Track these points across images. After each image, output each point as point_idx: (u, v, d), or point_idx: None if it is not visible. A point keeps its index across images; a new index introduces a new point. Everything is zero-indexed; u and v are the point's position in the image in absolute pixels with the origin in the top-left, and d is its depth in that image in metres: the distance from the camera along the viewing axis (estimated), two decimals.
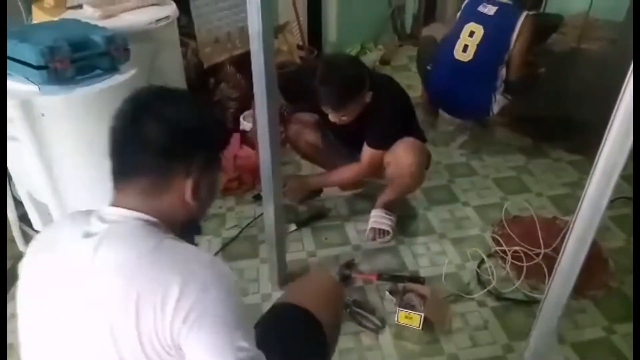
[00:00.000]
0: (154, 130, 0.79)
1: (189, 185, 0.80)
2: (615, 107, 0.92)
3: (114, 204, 0.80)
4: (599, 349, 1.52)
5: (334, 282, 1.34)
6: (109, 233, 0.75)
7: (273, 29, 2.54)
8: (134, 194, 0.80)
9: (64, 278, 0.75)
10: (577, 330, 1.57)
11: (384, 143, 1.82)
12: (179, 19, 2.00)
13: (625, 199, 2.13)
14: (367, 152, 1.84)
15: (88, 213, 0.81)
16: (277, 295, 1.68)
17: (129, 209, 0.78)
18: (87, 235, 0.76)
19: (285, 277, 1.74)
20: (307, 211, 2.09)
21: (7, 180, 1.65)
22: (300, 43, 2.78)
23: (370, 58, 3.35)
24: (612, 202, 2.17)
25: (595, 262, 1.81)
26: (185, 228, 0.86)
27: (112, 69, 1.50)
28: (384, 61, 3.55)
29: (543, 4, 2.91)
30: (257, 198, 2.08)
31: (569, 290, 1.13)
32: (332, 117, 1.78)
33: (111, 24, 1.64)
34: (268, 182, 1.51)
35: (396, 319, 1.58)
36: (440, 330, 1.57)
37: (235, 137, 2.27)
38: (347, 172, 1.94)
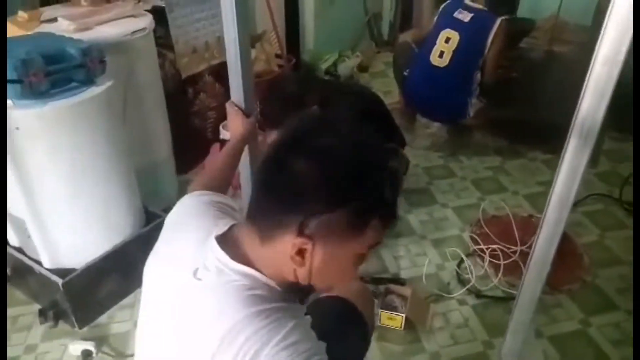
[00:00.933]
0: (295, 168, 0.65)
1: (297, 242, 0.65)
2: (577, 108, 0.96)
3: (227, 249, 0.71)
4: (575, 341, 1.57)
5: (364, 286, 1.35)
6: (208, 288, 0.70)
7: (250, 39, 2.57)
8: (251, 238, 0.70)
9: (172, 299, 0.74)
10: (554, 324, 1.61)
11: None
12: (155, 31, 2.01)
13: (598, 196, 2.21)
14: None
15: (208, 235, 0.75)
16: None
17: (239, 262, 0.69)
18: (195, 275, 0.71)
19: None
20: None
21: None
22: (279, 52, 2.81)
23: (348, 65, 3.39)
24: (585, 198, 2.26)
25: (570, 257, 1.86)
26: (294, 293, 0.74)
27: (88, 82, 1.50)
28: (362, 68, 3.60)
29: (516, 8, 2.99)
30: None
31: (542, 285, 1.17)
32: None
33: (86, 36, 1.64)
34: (248, 189, 1.52)
35: (378, 320, 1.60)
36: (422, 330, 1.60)
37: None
38: None
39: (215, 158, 1.22)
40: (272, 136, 2.03)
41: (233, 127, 1.35)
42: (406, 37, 3.63)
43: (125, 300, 1.77)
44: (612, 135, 2.67)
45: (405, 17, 4.36)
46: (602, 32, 0.85)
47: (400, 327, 1.58)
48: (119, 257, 1.70)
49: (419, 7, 4.52)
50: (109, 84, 1.54)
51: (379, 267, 1.86)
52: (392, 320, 1.59)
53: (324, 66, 3.29)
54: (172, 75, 2.20)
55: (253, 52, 2.50)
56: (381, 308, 1.59)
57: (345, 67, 3.36)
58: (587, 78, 0.90)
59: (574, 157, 0.99)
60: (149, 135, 2.00)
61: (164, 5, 2.06)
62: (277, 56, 2.77)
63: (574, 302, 1.70)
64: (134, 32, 1.78)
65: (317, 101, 1.76)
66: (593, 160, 2.46)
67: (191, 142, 2.27)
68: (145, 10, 1.94)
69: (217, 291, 0.69)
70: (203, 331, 0.67)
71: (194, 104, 2.32)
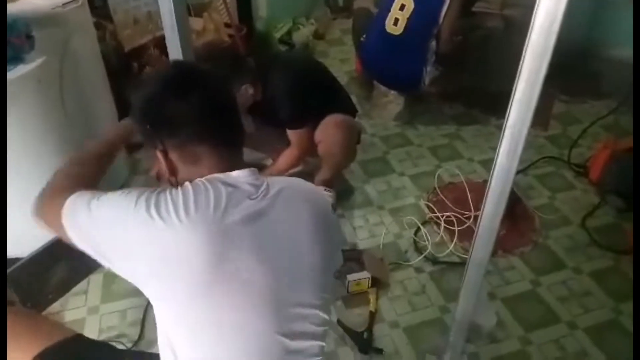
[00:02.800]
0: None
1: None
2: (519, 71, 0.95)
3: None
4: (526, 301, 1.63)
5: None
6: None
7: (195, 8, 2.45)
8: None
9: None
10: (506, 286, 1.67)
11: (299, 122, 1.81)
12: (92, 1, 1.87)
13: (548, 159, 2.27)
14: (290, 134, 1.83)
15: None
16: None
17: None
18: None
19: None
20: None
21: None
22: (228, 21, 2.69)
23: (303, 33, 3.30)
24: (536, 162, 2.31)
25: (522, 220, 1.92)
26: None
27: (15, 59, 1.39)
28: (318, 35, 3.51)
29: None
30: None
31: (490, 249, 1.19)
32: None
33: (11, 8, 1.51)
34: None
35: (347, 290, 1.61)
36: (386, 283, 1.65)
37: None
38: (285, 159, 1.91)
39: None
40: None
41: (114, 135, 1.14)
42: (364, 2, 3.56)
43: (78, 287, 1.71)
44: (561, 98, 2.74)
45: None
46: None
47: (368, 287, 1.62)
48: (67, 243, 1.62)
49: None
50: (39, 61, 1.44)
51: None
52: (359, 285, 1.62)
53: (277, 35, 3.19)
54: (114, 47, 2.08)
55: (200, 22, 2.39)
56: (348, 277, 1.61)
57: (300, 35, 3.27)
58: (527, 39, 0.89)
59: (516, 121, 0.99)
60: (91, 114, 1.89)
61: None
62: (227, 25, 2.65)
63: (525, 263, 1.76)
64: (65, 4, 1.65)
65: (248, 79, 1.70)
66: (544, 124, 2.53)
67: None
68: None
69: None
70: None
71: (139, 77, 2.20)
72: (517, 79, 0.94)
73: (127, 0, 2.04)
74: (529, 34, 0.88)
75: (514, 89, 0.96)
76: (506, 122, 1.00)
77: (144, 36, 2.14)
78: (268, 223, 0.85)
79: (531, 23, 0.86)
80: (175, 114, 0.85)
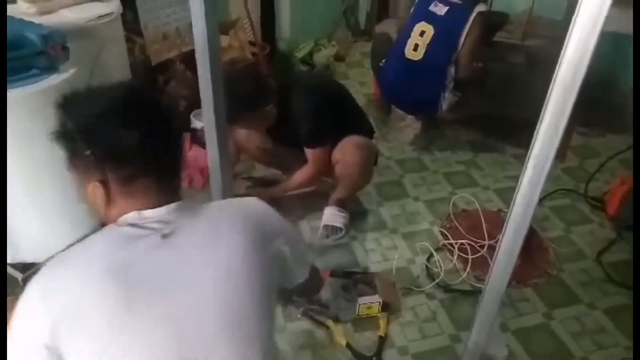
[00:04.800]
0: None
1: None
2: (545, 103, 0.96)
3: None
4: (538, 334, 1.61)
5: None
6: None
7: (221, 26, 2.51)
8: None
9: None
10: (519, 317, 1.65)
11: (318, 141, 1.83)
12: (124, 15, 1.94)
13: (564, 191, 2.26)
14: (308, 153, 1.85)
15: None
16: None
17: None
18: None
19: None
20: None
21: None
22: (252, 39, 2.75)
23: (324, 54, 3.36)
24: (552, 193, 2.30)
25: (536, 251, 1.90)
26: None
27: (50, 69, 1.44)
28: (339, 57, 3.57)
29: (489, 2, 3.01)
30: None
31: (507, 280, 1.18)
32: None
33: (48, 20, 1.57)
34: (217, 181, 1.49)
35: (356, 312, 1.61)
36: (397, 308, 1.65)
37: (186, 137, 2.23)
38: (301, 176, 1.93)
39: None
40: (240, 133, 2.00)
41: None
42: (385, 27, 3.62)
43: None
44: (580, 130, 2.73)
45: (382, 7, 4.34)
46: (570, 28, 0.85)
47: (378, 312, 1.61)
48: None
49: None
50: (72, 71, 1.49)
51: (351, 261, 1.86)
52: (370, 309, 1.61)
53: (299, 55, 3.25)
54: (142, 61, 2.14)
55: (226, 39, 2.45)
56: (359, 300, 1.60)
57: (321, 57, 3.33)
58: (555, 73, 0.91)
59: (540, 153, 0.99)
60: None
61: None
62: (251, 44, 2.71)
63: (538, 295, 1.74)
64: (99, 17, 1.72)
65: (273, 100, 1.73)
66: (561, 156, 2.52)
67: None
68: None
69: None
70: None
71: (163, 91, 2.26)
72: (543, 110, 0.96)
73: (158, 16, 2.11)
74: (557, 67, 0.89)
75: (540, 119, 0.97)
76: (530, 151, 1.01)
77: (171, 51, 2.20)
78: (170, 266, 0.78)
79: (560, 56, 0.88)
80: (127, 143, 0.77)
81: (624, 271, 1.84)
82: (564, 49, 0.88)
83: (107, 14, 1.74)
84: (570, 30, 0.85)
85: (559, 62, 0.89)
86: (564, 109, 0.93)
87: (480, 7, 2.36)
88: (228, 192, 1.54)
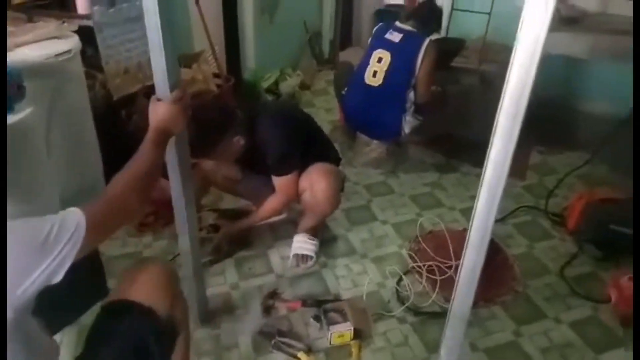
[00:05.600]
0: None
1: None
2: (493, 129, 1.00)
3: None
4: (508, 351, 1.63)
5: (165, 267, 1.25)
6: None
7: (185, 59, 2.53)
8: None
9: None
10: (488, 336, 1.67)
11: (285, 169, 1.83)
12: (84, 51, 1.93)
13: (526, 208, 2.32)
14: (276, 181, 1.86)
15: None
16: (199, 334, 1.64)
17: None
18: None
19: (207, 313, 1.71)
20: (226, 240, 2.03)
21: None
22: (217, 71, 2.78)
23: (290, 83, 3.41)
24: (514, 211, 2.36)
25: (502, 269, 1.94)
26: None
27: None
28: (304, 86, 3.63)
29: (445, 29, 3.14)
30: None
31: (471, 300, 1.20)
32: None
33: None
34: (181, 213, 1.48)
35: (329, 342, 1.59)
36: (368, 335, 1.64)
37: None
38: (270, 205, 1.92)
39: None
40: (207, 164, 2.00)
41: (153, 115, 1.21)
42: (348, 55, 3.72)
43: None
44: (538, 149, 2.84)
45: (345, 36, 4.46)
46: (513, 53, 0.90)
47: (350, 340, 1.60)
48: (44, 296, 1.59)
49: (359, 26, 4.65)
50: (27, 111, 1.46)
51: (321, 289, 1.86)
52: (342, 337, 1.60)
53: (265, 85, 3.29)
54: (103, 96, 2.12)
55: (190, 72, 2.46)
56: (330, 329, 1.60)
57: (287, 86, 3.38)
58: (500, 102, 0.95)
59: (492, 176, 1.03)
60: (78, 161, 1.91)
61: (92, 25, 1.99)
62: (216, 75, 2.73)
63: (506, 313, 1.76)
64: (58, 55, 1.70)
65: (239, 130, 1.74)
66: (521, 174, 2.61)
67: (124, 165, 2.18)
68: (72, 31, 1.86)
69: None
70: None
71: (127, 125, 2.23)
72: (492, 135, 1.00)
73: (119, 51, 2.10)
74: (501, 98, 0.94)
75: (489, 147, 1.01)
76: (483, 176, 1.05)
77: (134, 85, 2.19)
78: None
79: (504, 86, 0.92)
80: None
81: (587, 284, 1.89)
82: (507, 78, 0.92)
83: (66, 51, 1.72)
84: (513, 55, 0.90)
85: (503, 92, 0.94)
86: (511, 134, 0.96)
87: (433, 36, 2.46)
88: (193, 224, 1.52)
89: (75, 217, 0.91)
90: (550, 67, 3.21)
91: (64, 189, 1.74)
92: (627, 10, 2.98)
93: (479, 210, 1.10)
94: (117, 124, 2.22)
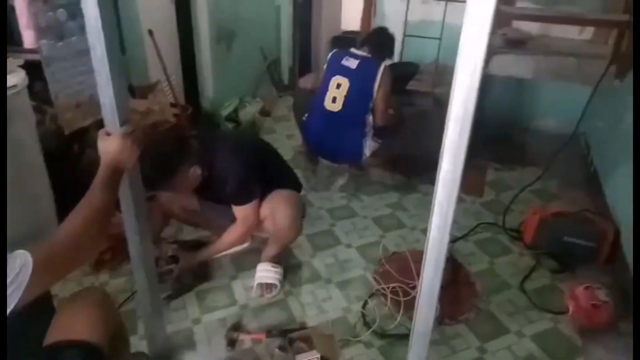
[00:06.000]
0: None
1: None
2: (442, 146, 1.02)
3: None
4: None
5: (99, 294, 1.26)
6: None
7: (140, 90, 2.50)
8: None
9: None
10: (454, 354, 1.68)
11: (244, 198, 1.81)
12: (33, 86, 1.88)
13: (485, 224, 2.38)
14: (236, 210, 1.84)
15: None
16: None
17: None
18: None
19: (169, 350, 1.64)
20: (189, 274, 1.98)
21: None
22: (174, 101, 2.75)
23: (250, 111, 3.41)
24: (474, 228, 2.41)
25: (464, 286, 1.97)
26: None
27: None
28: (265, 112, 3.64)
29: (399, 54, 3.23)
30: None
31: (432, 320, 1.20)
32: None
33: None
34: (136, 249, 1.43)
35: None
36: None
37: None
38: (230, 236, 1.89)
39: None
40: (164, 196, 1.96)
41: (103, 151, 1.18)
42: (305, 82, 3.77)
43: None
44: (494, 166, 2.94)
45: (303, 62, 4.53)
46: (454, 76, 0.92)
47: None
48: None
49: (317, 52, 4.73)
50: None
51: (287, 318, 1.83)
52: None
53: (224, 113, 3.28)
54: (54, 131, 2.06)
55: (145, 103, 2.43)
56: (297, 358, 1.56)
57: (247, 113, 3.38)
58: (447, 118, 0.97)
59: (442, 198, 1.05)
60: (28, 199, 1.83)
61: (40, 59, 1.94)
62: (173, 105, 2.71)
63: (470, 330, 1.78)
64: None
65: (196, 161, 1.72)
66: (478, 191, 2.68)
67: (78, 201, 2.11)
68: (18, 66, 1.81)
69: None
70: None
71: (80, 160, 2.17)
72: (440, 159, 1.02)
73: (69, 85, 2.05)
74: (446, 120, 0.96)
75: (438, 167, 1.03)
76: (434, 196, 1.07)
77: (86, 119, 2.14)
78: None
79: (448, 112, 0.95)
80: None
81: (546, 296, 1.94)
82: (450, 100, 0.95)
83: (11, 87, 1.67)
84: (453, 81, 0.93)
85: (447, 114, 0.97)
86: (458, 154, 0.99)
87: (387, 61, 2.54)
88: (149, 259, 1.48)
89: (21, 259, 0.89)
90: (501, 87, 3.38)
91: (13, 228, 1.66)
92: (566, 33, 3.19)
93: (433, 230, 1.12)
94: (70, 159, 2.15)
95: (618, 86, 2.51)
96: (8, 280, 0.86)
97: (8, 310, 0.86)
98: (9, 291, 0.85)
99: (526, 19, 3.05)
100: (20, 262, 0.88)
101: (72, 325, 1.10)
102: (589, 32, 3.17)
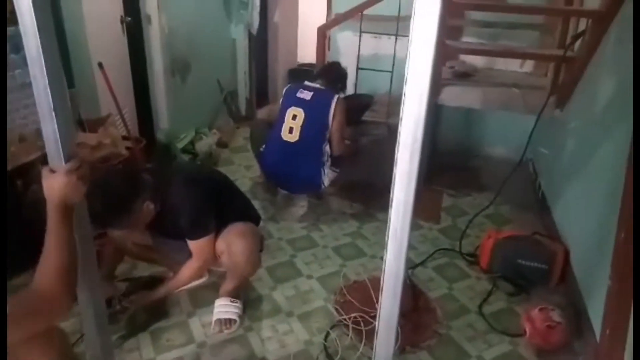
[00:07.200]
0: None
1: None
2: (394, 172, 1.04)
3: None
4: None
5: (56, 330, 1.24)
6: None
7: (91, 124, 2.43)
8: None
9: None
10: None
11: (199, 232, 1.77)
12: None
13: (442, 250, 2.42)
14: (191, 245, 1.78)
15: None
16: None
17: None
18: None
19: None
20: (141, 311, 1.88)
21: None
22: (126, 134, 2.68)
23: (207, 142, 3.37)
24: (432, 254, 2.44)
25: (425, 313, 1.98)
26: None
27: None
28: (222, 144, 3.61)
29: (354, 86, 3.32)
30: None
31: (392, 346, 1.19)
32: None
33: None
34: (83, 289, 1.35)
35: None
36: None
37: None
38: (187, 272, 1.83)
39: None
40: (115, 232, 1.88)
41: (47, 188, 1.12)
42: (261, 114, 3.79)
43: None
44: (449, 192, 3.02)
45: (261, 93, 4.57)
46: (401, 107, 0.95)
47: None
48: None
49: (274, 84, 4.79)
50: None
51: (247, 354, 1.76)
52: None
53: (180, 145, 3.23)
54: None
55: (96, 137, 2.36)
56: None
57: (203, 145, 3.34)
58: (396, 148, 0.99)
59: (396, 218, 1.06)
60: None
61: None
62: (125, 138, 2.64)
63: (432, 356, 1.78)
64: None
65: (148, 195, 1.66)
66: (435, 218, 2.73)
67: (23, 240, 1.99)
68: None
69: None
70: None
71: (24, 196, 2.06)
72: (391, 188, 1.03)
73: (12, 118, 1.97)
74: (396, 150, 0.98)
75: (390, 196, 1.04)
76: (389, 224, 1.07)
77: (30, 153, 2.05)
78: None
79: (397, 142, 0.97)
80: None
81: (503, 319, 1.98)
82: (399, 131, 0.97)
83: None
84: (401, 112, 0.95)
85: (397, 144, 0.99)
86: (409, 182, 1.01)
87: (341, 94, 2.61)
88: (98, 302, 1.39)
89: None
90: (452, 117, 3.52)
91: None
92: (509, 66, 3.39)
93: (389, 259, 1.12)
94: (14, 195, 2.04)
95: (559, 115, 2.67)
96: None
97: None
98: None
99: (471, 53, 3.22)
100: None
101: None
102: (529, 65, 3.39)
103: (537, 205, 2.85)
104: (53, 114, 1.14)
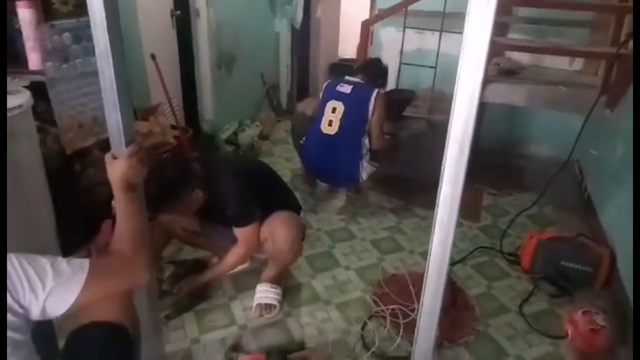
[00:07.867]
0: None
1: None
2: (442, 170, 1.05)
3: None
4: None
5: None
6: None
7: (142, 112, 2.54)
8: None
9: None
10: None
11: (245, 220, 1.83)
12: (37, 106, 1.90)
13: (482, 248, 2.40)
14: (237, 232, 1.84)
15: None
16: None
17: None
18: None
19: None
20: (186, 295, 1.97)
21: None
22: (175, 123, 2.79)
23: (249, 134, 3.45)
24: (472, 252, 2.42)
25: (463, 310, 1.97)
26: None
27: None
28: (263, 136, 3.69)
29: (396, 82, 3.31)
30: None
31: (432, 341, 1.21)
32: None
33: None
34: None
35: None
36: None
37: (107, 224, 2.14)
38: (232, 257, 1.89)
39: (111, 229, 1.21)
40: (165, 217, 1.96)
41: (112, 172, 1.19)
42: (303, 106, 3.83)
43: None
44: (490, 192, 2.97)
45: (301, 87, 4.62)
46: (453, 104, 0.96)
47: None
48: None
49: (315, 78, 4.83)
50: None
51: (286, 339, 1.82)
52: None
53: (223, 136, 3.32)
54: (56, 151, 2.07)
55: (147, 125, 2.46)
56: None
57: (246, 136, 3.42)
58: (446, 144, 1.00)
59: (444, 214, 1.07)
60: (29, 218, 1.83)
61: (44, 80, 1.97)
62: (174, 127, 2.74)
63: (470, 353, 1.78)
64: (9, 110, 1.66)
65: (197, 184, 1.73)
66: (475, 216, 2.71)
67: (79, 221, 2.11)
68: (23, 87, 1.84)
69: None
70: None
71: (81, 180, 2.18)
72: (440, 182, 1.05)
73: (72, 105, 2.09)
74: (446, 146, 0.99)
75: (438, 190, 1.06)
76: (435, 219, 1.09)
77: (88, 139, 2.16)
78: None
79: (447, 137, 0.98)
80: None
81: (545, 320, 1.95)
82: (449, 126, 0.99)
83: (16, 107, 1.69)
84: (452, 108, 0.97)
85: (447, 139, 1.00)
86: (457, 177, 1.02)
87: (381, 90, 2.61)
88: (150, 279, 1.47)
89: (80, 261, 1.02)
90: (496, 115, 3.46)
91: (13, 247, 1.65)
92: (557, 64, 3.29)
93: (434, 252, 1.14)
94: (71, 179, 2.16)
95: (609, 115, 2.58)
96: (70, 273, 0.98)
97: (66, 310, 0.97)
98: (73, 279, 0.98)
99: (518, 50, 3.15)
100: (79, 264, 1.00)
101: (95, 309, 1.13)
102: (579, 63, 3.28)
103: (582, 207, 2.77)
104: (117, 103, 1.21)
